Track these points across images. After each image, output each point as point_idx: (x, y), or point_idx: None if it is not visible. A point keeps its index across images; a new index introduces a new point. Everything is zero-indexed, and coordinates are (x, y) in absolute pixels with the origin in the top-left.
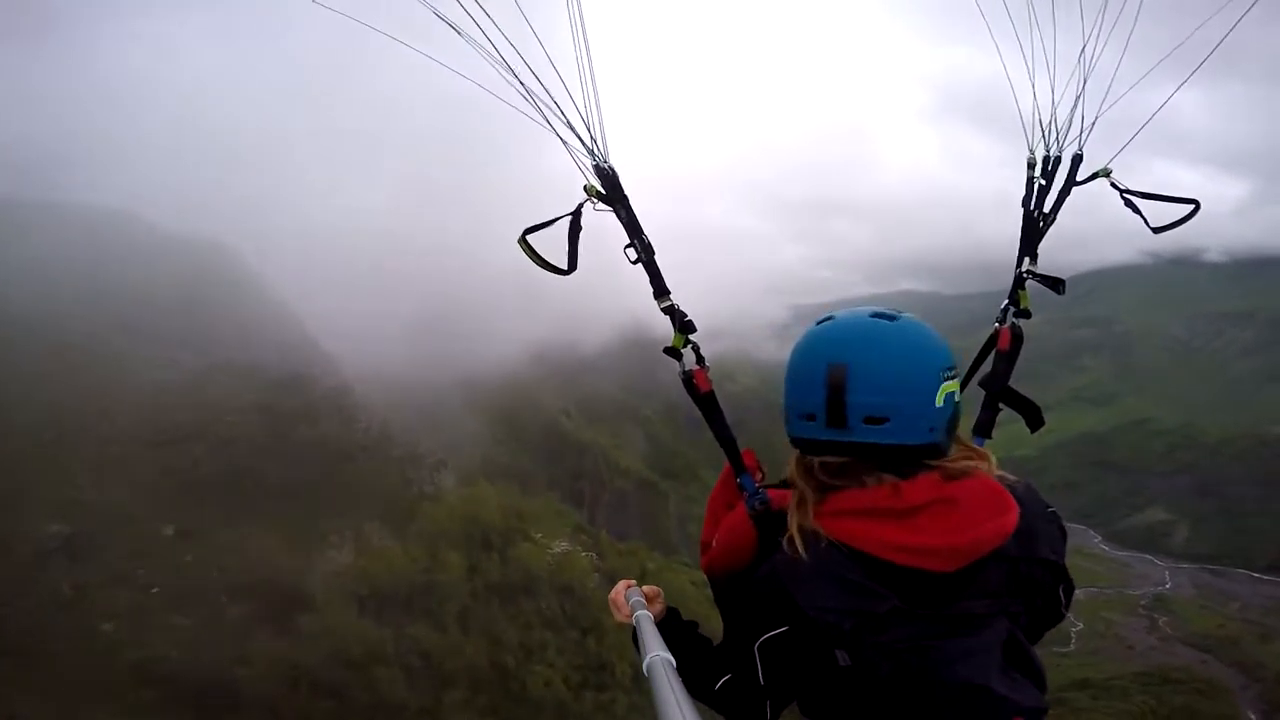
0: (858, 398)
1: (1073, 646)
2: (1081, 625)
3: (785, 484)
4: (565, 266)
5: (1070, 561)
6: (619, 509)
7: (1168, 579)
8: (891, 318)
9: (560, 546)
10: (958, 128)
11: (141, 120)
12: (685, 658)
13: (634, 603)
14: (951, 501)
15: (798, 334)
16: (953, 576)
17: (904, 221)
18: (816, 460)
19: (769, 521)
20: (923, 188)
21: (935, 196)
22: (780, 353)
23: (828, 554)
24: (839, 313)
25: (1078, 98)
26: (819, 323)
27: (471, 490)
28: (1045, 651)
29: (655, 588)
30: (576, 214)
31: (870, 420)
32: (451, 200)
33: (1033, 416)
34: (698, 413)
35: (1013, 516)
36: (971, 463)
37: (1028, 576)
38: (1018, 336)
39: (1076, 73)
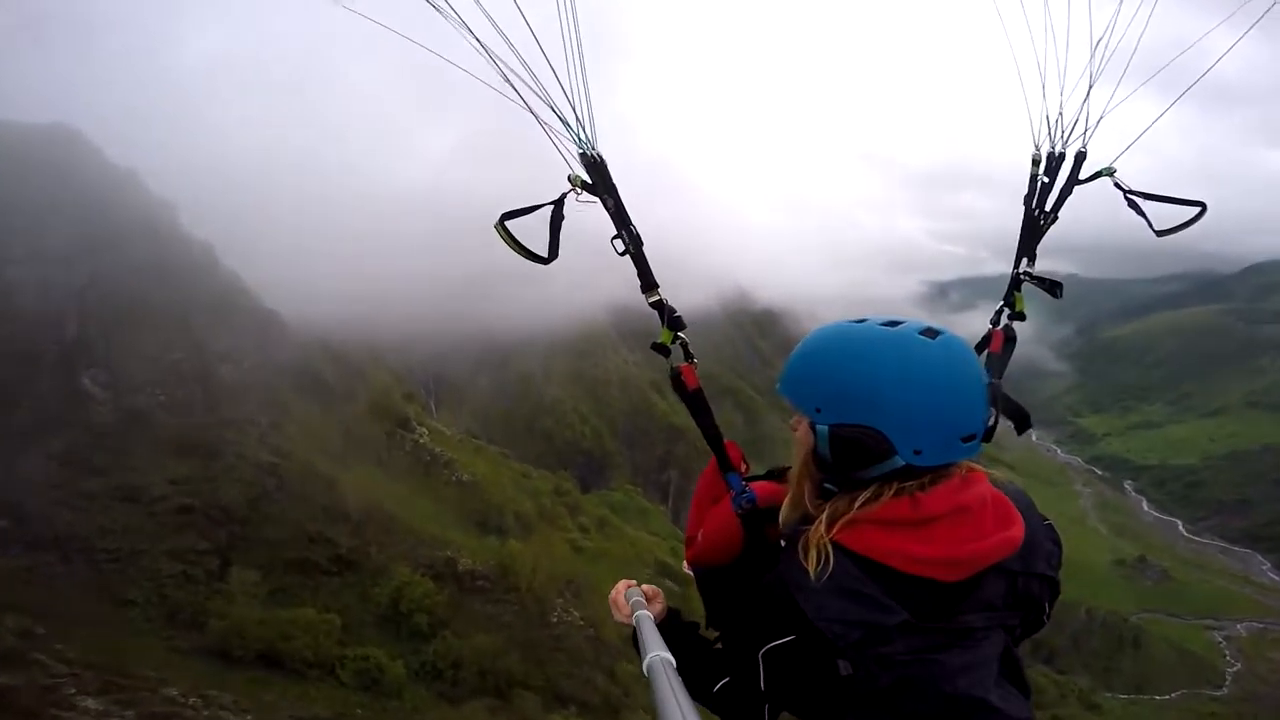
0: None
1: (1226, 690)
2: (1239, 666)
3: (771, 475)
4: (545, 255)
5: (1232, 588)
6: None
7: None
8: None
9: None
10: (1106, 89)
11: None
12: (684, 659)
13: (634, 603)
14: (965, 511)
15: (949, 303)
16: (955, 587)
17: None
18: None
19: (756, 519)
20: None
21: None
22: (929, 319)
23: (838, 564)
24: (928, 324)
25: (1088, 92)
26: (920, 333)
27: None
28: (1195, 693)
29: (654, 588)
30: (559, 203)
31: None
32: (510, 151)
33: (1020, 421)
34: None
35: (1020, 529)
36: (974, 462)
37: (1025, 591)
38: (1010, 339)
39: (1086, 67)
